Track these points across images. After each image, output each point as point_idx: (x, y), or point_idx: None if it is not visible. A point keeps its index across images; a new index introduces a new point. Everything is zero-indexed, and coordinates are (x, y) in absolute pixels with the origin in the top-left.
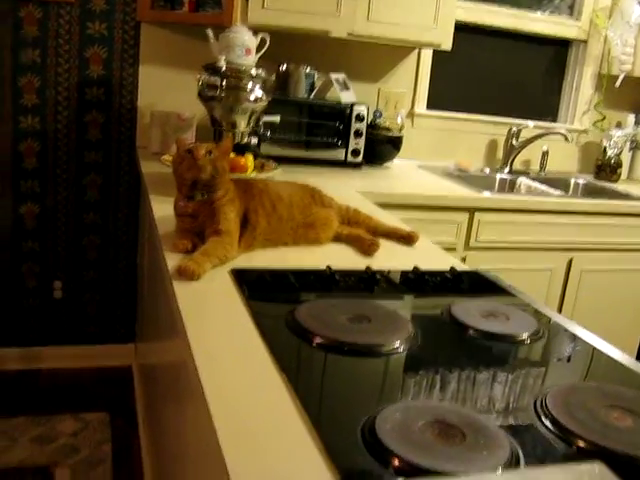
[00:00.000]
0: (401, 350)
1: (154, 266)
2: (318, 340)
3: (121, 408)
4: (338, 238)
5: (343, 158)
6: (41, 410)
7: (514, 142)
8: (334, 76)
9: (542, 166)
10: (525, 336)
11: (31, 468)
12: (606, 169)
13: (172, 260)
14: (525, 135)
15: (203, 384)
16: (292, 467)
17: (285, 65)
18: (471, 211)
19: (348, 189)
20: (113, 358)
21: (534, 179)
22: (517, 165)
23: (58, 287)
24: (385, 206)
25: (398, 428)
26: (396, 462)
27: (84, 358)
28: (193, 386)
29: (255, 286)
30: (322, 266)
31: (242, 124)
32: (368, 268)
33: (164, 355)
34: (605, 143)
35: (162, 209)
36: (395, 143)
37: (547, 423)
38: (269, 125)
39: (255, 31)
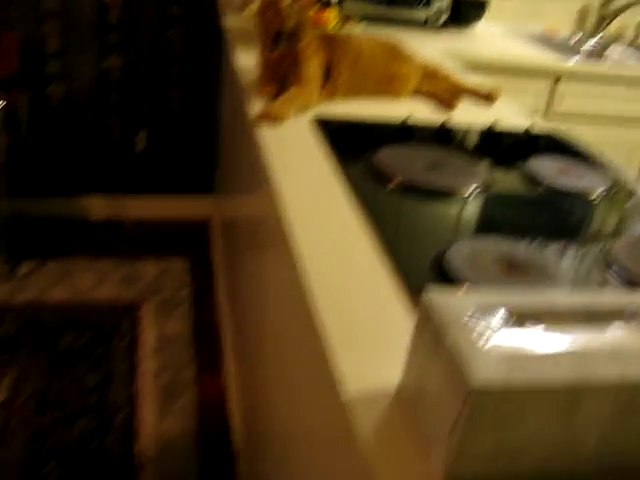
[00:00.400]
0: (474, 196)
1: (236, 118)
2: (396, 183)
3: (200, 257)
4: (417, 93)
5: (426, 19)
6: (125, 254)
7: (608, 7)
8: None
9: (636, 36)
10: (599, 193)
11: (120, 306)
12: None
13: (255, 107)
14: (620, 1)
15: (288, 228)
16: (372, 297)
17: None
18: (554, 79)
19: (429, 49)
20: (194, 209)
21: (625, 49)
22: (609, 33)
23: (142, 139)
24: (466, 69)
25: (467, 260)
26: (463, 285)
27: (166, 208)
28: (277, 230)
29: (335, 135)
30: (400, 119)
31: None
32: (445, 123)
33: (245, 206)
34: None
35: (245, 60)
36: (481, 5)
37: (612, 267)
38: None
39: None
